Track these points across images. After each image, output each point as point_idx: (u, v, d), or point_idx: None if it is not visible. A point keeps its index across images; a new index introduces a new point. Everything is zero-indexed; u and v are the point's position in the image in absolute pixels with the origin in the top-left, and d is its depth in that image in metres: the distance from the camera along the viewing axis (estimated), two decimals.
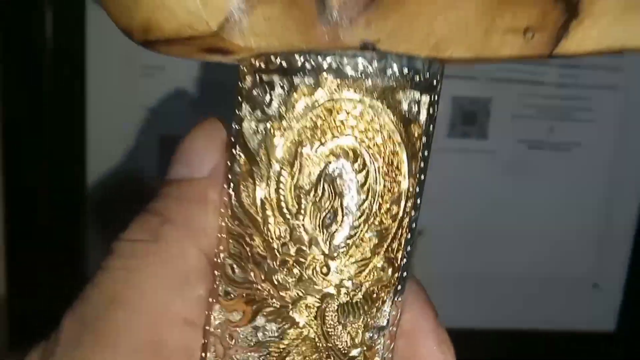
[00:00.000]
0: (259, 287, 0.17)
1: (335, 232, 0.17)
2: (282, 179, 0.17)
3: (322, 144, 0.17)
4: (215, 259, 0.18)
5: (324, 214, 0.17)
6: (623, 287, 0.56)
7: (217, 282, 0.18)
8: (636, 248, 0.56)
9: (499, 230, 0.54)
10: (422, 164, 0.18)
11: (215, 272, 0.18)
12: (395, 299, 0.18)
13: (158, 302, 0.18)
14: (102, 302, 0.18)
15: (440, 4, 0.16)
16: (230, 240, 0.18)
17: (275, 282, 0.17)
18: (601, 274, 0.56)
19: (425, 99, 0.17)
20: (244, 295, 0.18)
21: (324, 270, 0.17)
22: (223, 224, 0.18)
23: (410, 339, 0.20)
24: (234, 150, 0.17)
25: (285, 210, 0.17)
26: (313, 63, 0.16)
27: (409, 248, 0.18)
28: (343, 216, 0.17)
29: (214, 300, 0.18)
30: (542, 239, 0.55)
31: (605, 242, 0.56)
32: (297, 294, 0.17)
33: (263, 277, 0.17)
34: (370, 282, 0.17)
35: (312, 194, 0.17)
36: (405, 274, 0.18)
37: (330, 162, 0.17)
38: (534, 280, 0.55)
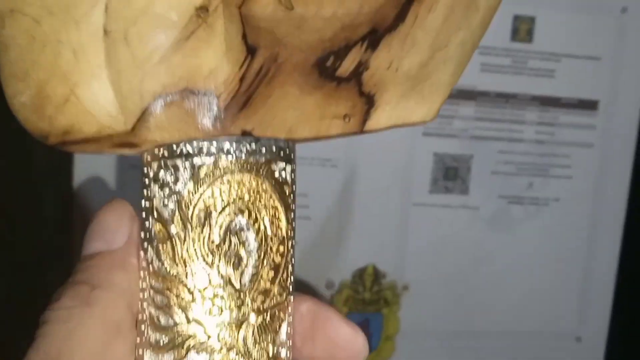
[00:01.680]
0: (186, 328, 0.21)
1: (243, 272, 0.21)
2: (196, 237, 0.21)
3: (223, 208, 0.21)
4: (140, 314, 0.22)
5: (233, 259, 0.21)
6: (605, 340, 0.57)
7: (146, 334, 0.21)
8: (617, 301, 0.56)
9: (482, 284, 0.55)
10: (293, 213, 0.23)
11: (142, 326, 0.22)
12: (289, 314, 0.23)
13: (97, 351, 0.21)
14: None
15: (290, 102, 0.22)
16: (156, 295, 0.21)
17: (201, 320, 0.21)
18: (584, 327, 0.57)
19: (289, 166, 0.23)
20: (173, 338, 0.21)
21: (239, 302, 0.22)
22: (145, 283, 0.22)
23: (314, 322, 0.24)
24: (148, 222, 0.22)
25: (202, 262, 0.21)
26: (209, 147, 0.21)
27: (292, 275, 0.23)
28: (247, 259, 0.21)
29: (144, 350, 0.22)
30: (525, 293, 0.55)
31: (586, 295, 0.56)
32: (221, 325, 0.21)
33: (190, 319, 0.21)
34: (273, 306, 0.22)
35: (222, 246, 0.21)
36: (292, 295, 0.23)
37: (232, 220, 0.21)
38: (518, 334, 0.56)
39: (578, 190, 0.55)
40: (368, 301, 0.53)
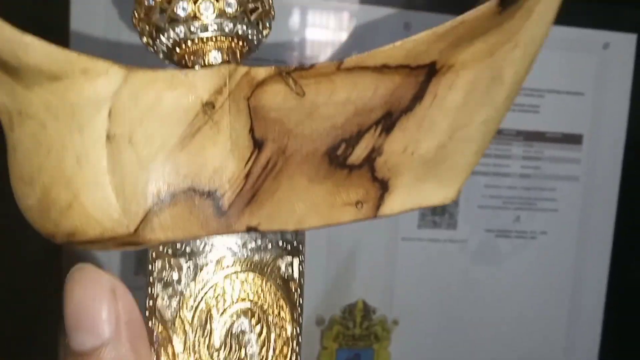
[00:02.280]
0: None
1: None
2: (196, 341, 0.21)
3: (225, 309, 0.21)
4: None
5: None
6: None
7: None
8: (605, 332, 0.57)
9: (470, 317, 0.55)
10: (300, 310, 0.22)
11: None
12: None
13: None
14: None
15: (299, 193, 0.22)
16: None
17: None
18: (572, 358, 0.57)
19: (296, 260, 0.22)
20: None
21: None
22: None
23: None
24: (150, 322, 0.21)
25: None
26: (212, 246, 0.21)
27: None
28: None
29: None
30: (512, 325, 0.56)
31: (574, 327, 0.57)
32: None
33: None
34: None
35: (222, 349, 0.21)
36: None
37: (233, 322, 0.21)
38: None
39: (564, 223, 0.56)
40: (358, 337, 0.53)
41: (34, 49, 0.18)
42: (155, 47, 0.24)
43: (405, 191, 0.23)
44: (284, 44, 0.49)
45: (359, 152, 0.22)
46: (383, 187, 0.23)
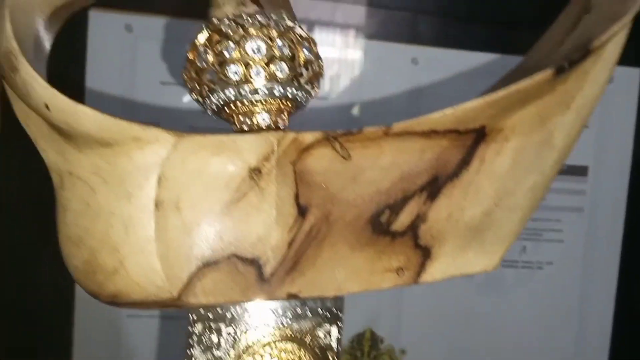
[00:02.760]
0: None
1: None
2: None
3: None
4: None
5: None
6: None
7: None
8: (612, 358, 0.57)
9: (477, 347, 0.55)
10: None
11: None
12: None
13: None
14: None
15: (340, 260, 0.22)
16: None
17: None
18: None
19: (334, 328, 0.23)
20: None
21: None
22: None
23: None
24: None
25: None
26: (252, 313, 0.21)
27: None
28: None
29: None
30: (519, 355, 0.56)
31: (580, 357, 0.57)
32: None
33: None
34: None
35: None
36: None
37: None
38: None
39: (570, 254, 0.56)
40: None
41: (87, 118, 0.19)
42: (204, 105, 0.25)
43: (447, 259, 0.23)
44: None
45: (403, 219, 0.22)
46: (425, 254, 0.23)
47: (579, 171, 0.56)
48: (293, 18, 0.25)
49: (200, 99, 0.25)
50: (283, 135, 0.21)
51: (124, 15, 0.47)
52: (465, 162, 0.22)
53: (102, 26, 0.47)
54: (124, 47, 0.48)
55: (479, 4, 0.52)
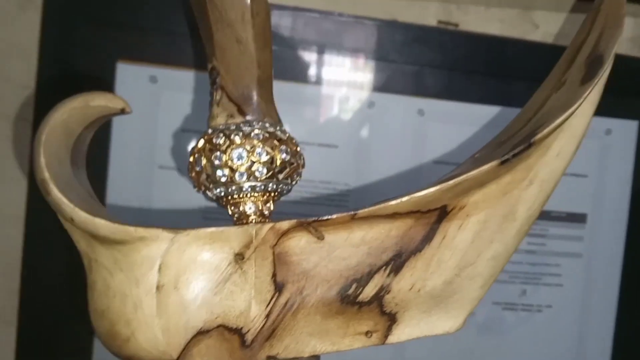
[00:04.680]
0: None
1: None
2: None
3: None
4: None
5: None
6: None
7: None
8: None
9: None
10: None
11: None
12: None
13: None
14: None
15: (314, 327, 0.26)
16: None
17: None
18: None
19: None
20: None
21: None
22: None
23: None
24: None
25: None
26: None
27: None
28: None
29: None
30: None
31: None
32: None
33: None
34: None
35: None
36: None
37: None
38: None
39: (568, 298, 0.58)
40: None
41: (103, 227, 0.24)
42: (206, 196, 0.30)
43: (412, 322, 0.26)
44: (302, 128, 0.53)
45: (369, 291, 0.26)
46: (391, 319, 0.26)
47: (578, 218, 0.58)
48: (276, 122, 0.30)
49: (201, 192, 0.31)
50: (261, 227, 0.26)
51: (149, 68, 0.51)
52: (428, 238, 0.26)
53: (129, 77, 0.51)
54: (149, 97, 0.51)
55: (482, 59, 0.55)
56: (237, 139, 0.29)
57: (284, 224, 0.25)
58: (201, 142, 0.31)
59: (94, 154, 0.50)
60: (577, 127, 0.26)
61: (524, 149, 0.25)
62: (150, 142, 0.51)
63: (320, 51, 0.53)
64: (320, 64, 0.53)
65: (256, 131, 0.30)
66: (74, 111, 0.27)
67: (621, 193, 0.58)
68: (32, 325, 0.51)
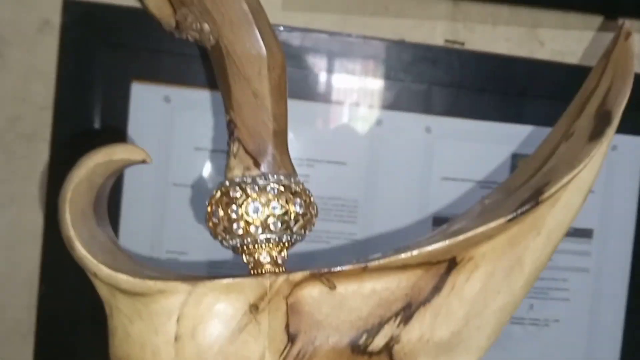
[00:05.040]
0: None
1: None
2: None
3: None
4: None
5: None
6: None
7: None
8: None
9: None
10: None
11: None
12: None
13: None
14: None
15: None
16: None
17: None
18: None
19: None
20: None
21: None
22: None
23: None
24: None
25: None
26: None
27: None
28: None
29: None
30: None
31: None
32: None
33: None
34: None
35: None
36: None
37: None
38: None
39: (575, 312, 0.59)
40: None
41: (124, 281, 0.25)
42: (223, 245, 0.32)
43: None
44: (312, 145, 0.54)
45: (379, 341, 0.26)
46: None
47: (585, 234, 0.59)
48: (290, 173, 0.31)
49: (218, 241, 0.32)
50: (275, 279, 0.26)
51: (163, 88, 0.52)
52: (437, 289, 0.26)
53: (143, 97, 0.52)
54: (162, 116, 0.53)
55: (489, 77, 0.56)
56: (253, 193, 0.30)
57: (298, 275, 0.26)
58: (218, 193, 0.32)
59: None
60: (584, 180, 0.26)
61: (531, 207, 0.25)
62: (164, 160, 0.53)
63: (330, 70, 0.54)
64: (329, 82, 0.54)
65: (271, 185, 0.31)
66: (98, 167, 0.29)
67: (628, 208, 0.59)
68: (49, 338, 0.53)
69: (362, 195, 0.55)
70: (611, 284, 0.59)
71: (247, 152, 0.30)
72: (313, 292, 0.26)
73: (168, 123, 0.53)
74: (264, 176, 0.31)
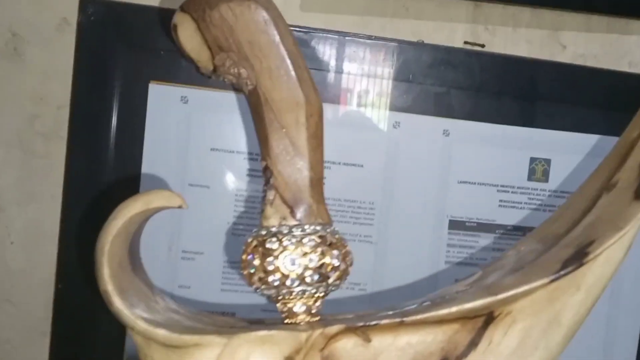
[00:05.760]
0: None
1: None
2: None
3: None
4: None
5: None
6: None
7: None
8: None
9: None
10: None
11: None
12: None
13: None
14: None
15: None
16: None
17: None
18: None
19: None
20: None
21: None
22: None
23: None
24: None
25: None
26: None
27: None
28: None
29: None
30: None
31: None
32: None
33: None
34: None
35: None
36: None
37: None
38: None
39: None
40: None
41: (161, 335, 0.25)
42: (256, 292, 0.31)
43: None
44: (329, 147, 0.54)
45: None
46: None
47: None
48: (327, 223, 0.31)
49: (252, 288, 0.32)
50: (311, 333, 0.26)
51: (180, 88, 0.52)
52: (474, 344, 0.25)
53: (161, 97, 0.52)
54: (180, 117, 0.52)
55: (509, 80, 0.55)
56: (290, 245, 0.30)
57: (333, 329, 0.26)
58: (254, 242, 0.32)
59: (126, 170, 0.52)
60: (629, 238, 0.25)
61: (574, 268, 0.25)
62: (181, 160, 0.53)
63: (348, 72, 0.53)
64: (347, 84, 0.54)
65: (309, 237, 0.30)
66: (135, 217, 0.28)
67: None
68: (66, 335, 0.53)
69: (379, 198, 0.55)
70: (632, 277, 0.59)
71: (284, 201, 0.29)
72: (347, 345, 0.26)
73: (185, 124, 0.53)
74: (301, 227, 0.31)
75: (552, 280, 0.24)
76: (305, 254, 0.30)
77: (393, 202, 0.55)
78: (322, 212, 0.31)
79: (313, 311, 0.30)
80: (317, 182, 0.30)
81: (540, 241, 0.29)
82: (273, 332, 0.26)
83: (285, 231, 0.30)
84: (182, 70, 0.52)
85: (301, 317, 0.30)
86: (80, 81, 0.52)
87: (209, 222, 0.54)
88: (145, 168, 0.52)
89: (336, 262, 0.30)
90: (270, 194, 0.30)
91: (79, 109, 0.52)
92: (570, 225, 0.28)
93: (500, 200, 0.57)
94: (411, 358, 0.26)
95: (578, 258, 0.25)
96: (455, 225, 0.56)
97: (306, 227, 0.30)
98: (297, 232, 0.30)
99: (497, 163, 0.56)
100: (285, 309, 0.30)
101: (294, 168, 0.29)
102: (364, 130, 0.55)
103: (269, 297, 0.31)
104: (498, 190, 0.57)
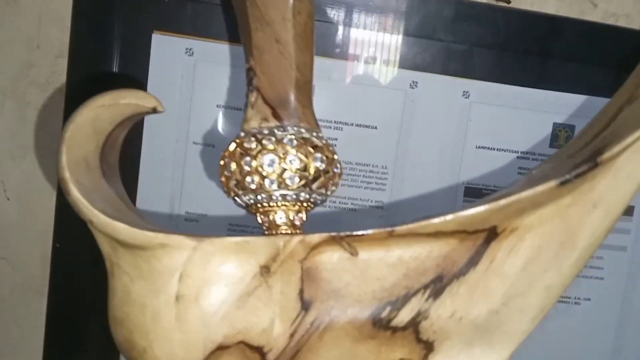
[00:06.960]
0: None
1: None
2: None
3: None
4: None
5: None
6: None
7: None
8: None
9: None
10: None
11: None
12: None
13: None
14: None
15: (342, 351, 0.23)
16: None
17: None
18: None
19: None
20: None
21: None
22: None
23: None
24: None
25: None
26: None
27: None
28: None
29: None
30: None
31: None
32: None
33: None
34: None
35: None
36: None
37: None
38: None
39: (609, 291, 0.56)
40: None
41: (122, 231, 0.22)
42: (235, 202, 0.28)
43: (451, 353, 0.24)
44: (342, 107, 0.51)
45: (404, 316, 0.23)
46: (427, 347, 0.24)
47: (625, 210, 0.55)
48: (312, 128, 0.27)
49: (231, 198, 0.29)
50: (289, 239, 0.23)
51: (185, 39, 0.49)
52: (473, 262, 0.23)
53: (164, 48, 0.49)
54: (184, 69, 0.49)
55: (536, 39, 0.52)
56: (269, 144, 0.27)
57: (315, 237, 0.23)
58: (232, 145, 0.29)
59: None
60: None
61: (589, 169, 0.22)
62: (184, 117, 0.50)
63: (364, 26, 0.50)
64: (363, 41, 0.50)
65: (290, 136, 0.27)
66: (102, 109, 0.26)
67: None
68: (62, 296, 0.51)
69: (392, 162, 0.52)
70: None
71: (265, 102, 0.27)
72: (332, 258, 0.23)
73: (190, 78, 0.50)
74: (283, 128, 0.28)
75: (562, 183, 0.21)
76: (285, 153, 0.27)
77: (407, 167, 0.53)
78: (309, 117, 0.28)
79: (296, 223, 0.28)
80: (304, 85, 0.27)
81: (555, 161, 0.25)
82: (249, 239, 0.23)
83: (266, 132, 0.28)
84: (187, 19, 0.49)
85: (282, 228, 0.27)
86: (79, 30, 0.49)
87: (213, 182, 0.51)
88: (146, 124, 0.50)
89: (320, 165, 0.27)
90: (252, 96, 0.28)
91: (77, 60, 0.49)
92: (588, 142, 0.25)
93: (520, 168, 0.54)
94: (402, 274, 0.23)
95: (592, 158, 0.22)
96: (471, 192, 0.53)
97: (289, 128, 0.27)
98: (279, 132, 0.27)
99: (518, 128, 0.53)
100: (265, 220, 0.28)
101: (278, 67, 0.26)
102: (379, 90, 0.51)
103: (247, 207, 0.28)
104: (518, 157, 0.54)
